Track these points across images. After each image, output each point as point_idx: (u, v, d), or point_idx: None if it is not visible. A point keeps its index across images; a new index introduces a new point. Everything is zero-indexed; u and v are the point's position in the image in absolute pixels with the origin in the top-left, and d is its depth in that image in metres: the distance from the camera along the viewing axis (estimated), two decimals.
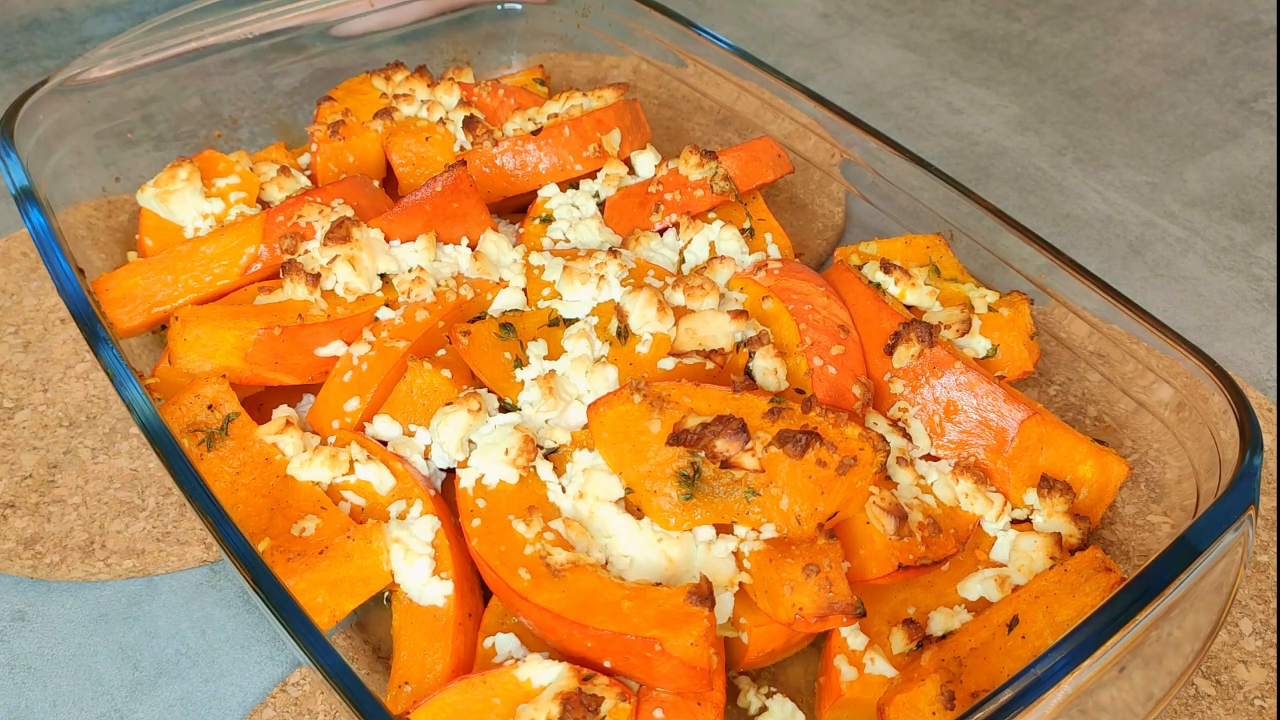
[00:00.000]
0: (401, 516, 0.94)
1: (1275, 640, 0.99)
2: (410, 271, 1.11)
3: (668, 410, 0.92)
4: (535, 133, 1.28)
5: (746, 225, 1.24)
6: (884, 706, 0.84)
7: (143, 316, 1.10)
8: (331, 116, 1.34)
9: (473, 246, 1.18)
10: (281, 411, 1.03)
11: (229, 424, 0.98)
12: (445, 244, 1.17)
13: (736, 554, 0.88)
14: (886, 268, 1.13)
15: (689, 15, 1.47)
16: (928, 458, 1.01)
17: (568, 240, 1.22)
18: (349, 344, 1.05)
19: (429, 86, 1.42)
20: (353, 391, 1.02)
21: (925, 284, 1.13)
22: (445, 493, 1.01)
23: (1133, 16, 2.06)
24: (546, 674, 0.81)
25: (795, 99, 1.33)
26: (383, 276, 1.11)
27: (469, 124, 1.32)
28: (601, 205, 1.28)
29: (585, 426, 0.97)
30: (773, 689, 0.92)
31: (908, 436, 1.01)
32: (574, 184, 1.31)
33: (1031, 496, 0.98)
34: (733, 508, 0.89)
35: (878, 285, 1.13)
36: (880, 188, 1.27)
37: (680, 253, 1.19)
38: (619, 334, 1.04)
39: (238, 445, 0.97)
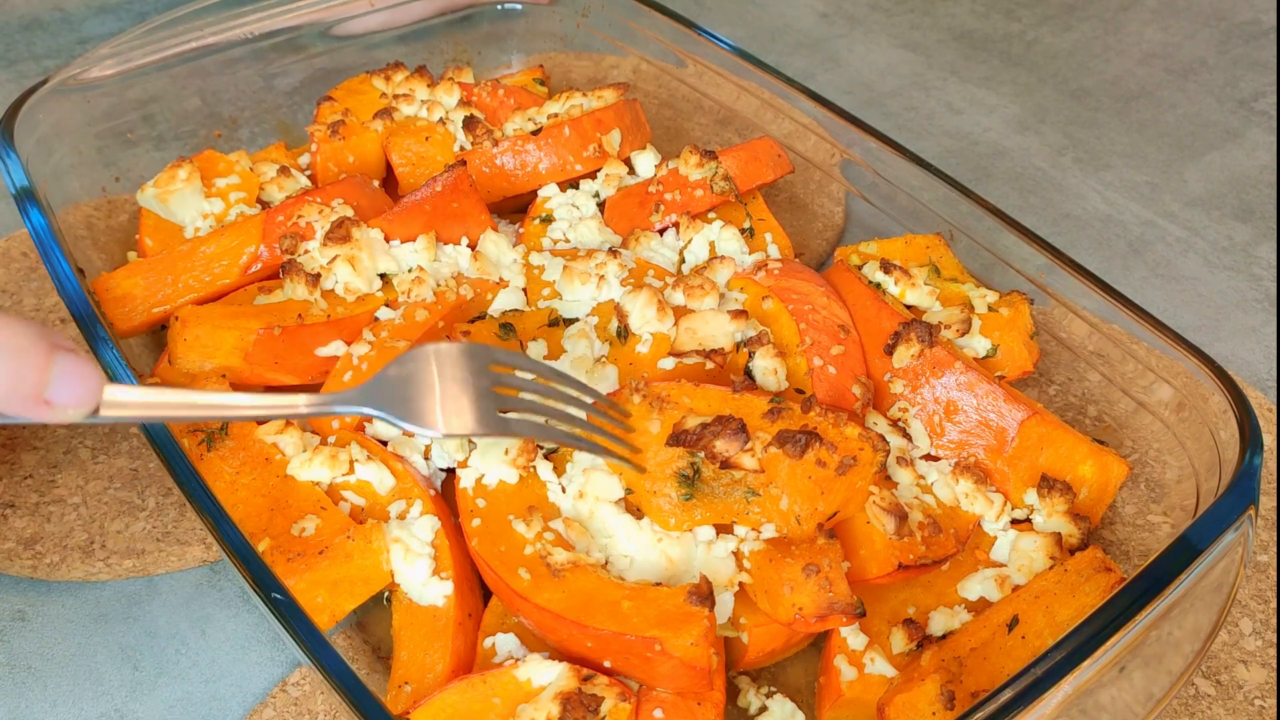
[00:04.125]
0: (401, 516, 0.94)
1: (1275, 640, 0.99)
2: (410, 271, 1.11)
3: (667, 410, 0.92)
4: (535, 133, 1.28)
5: (746, 225, 1.24)
6: (884, 706, 0.84)
7: (143, 316, 1.10)
8: (331, 116, 1.34)
9: (473, 246, 1.18)
10: None
11: (229, 424, 0.98)
12: (445, 244, 1.17)
13: (736, 554, 0.88)
14: (886, 268, 1.13)
15: (689, 15, 1.47)
16: (928, 458, 1.01)
17: (568, 240, 1.22)
18: (349, 344, 1.05)
19: (429, 86, 1.42)
20: None
21: (925, 284, 1.13)
22: (445, 493, 1.01)
23: (1133, 16, 2.06)
24: (546, 674, 0.81)
25: (795, 99, 1.33)
26: (383, 276, 1.11)
27: (469, 124, 1.32)
28: (601, 205, 1.28)
29: None
30: (773, 689, 0.92)
31: (908, 436, 1.01)
32: (574, 184, 1.31)
33: (1031, 496, 0.98)
34: (732, 508, 0.89)
35: (878, 285, 1.13)
36: (880, 188, 1.27)
37: (680, 253, 1.19)
38: (619, 334, 1.04)
39: (238, 445, 0.97)
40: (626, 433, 0.92)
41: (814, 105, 1.30)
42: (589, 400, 0.91)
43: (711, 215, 1.23)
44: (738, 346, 1.02)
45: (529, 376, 0.91)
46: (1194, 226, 1.54)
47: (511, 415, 0.87)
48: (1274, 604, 1.02)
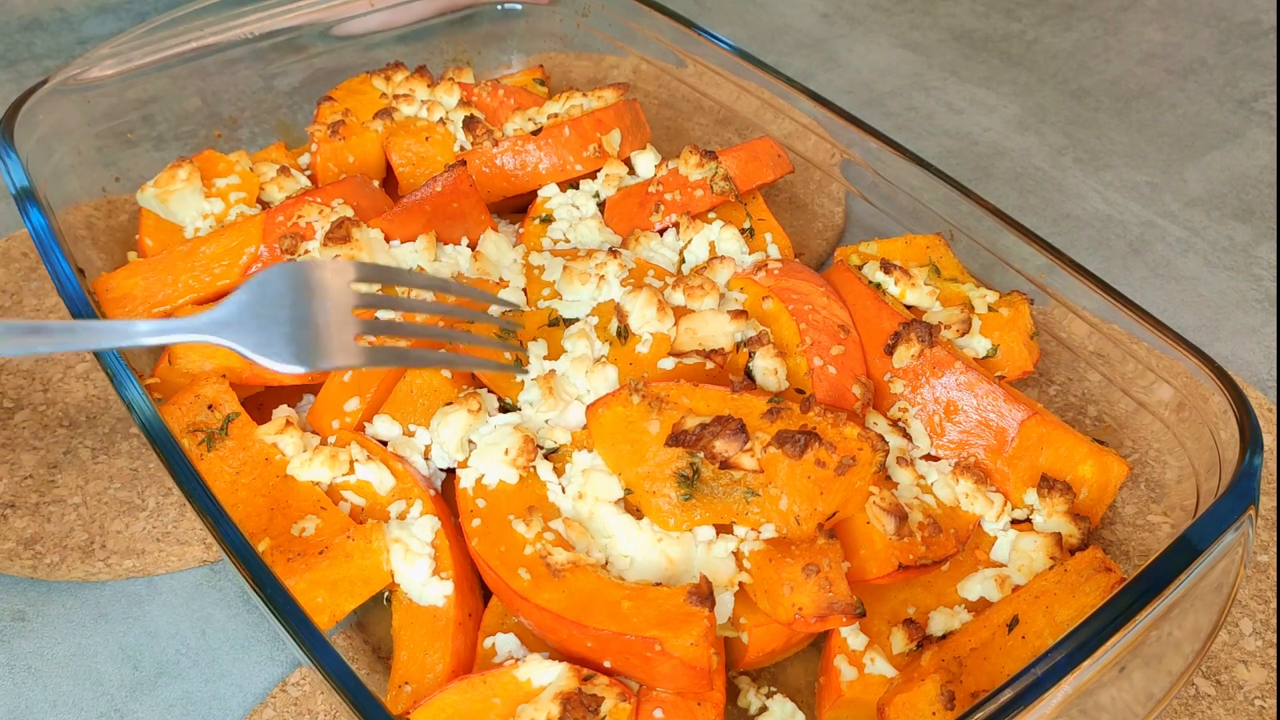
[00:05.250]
0: (401, 516, 0.94)
1: (1275, 640, 0.99)
2: (410, 272, 1.11)
3: (666, 411, 0.92)
4: (535, 133, 1.28)
5: (746, 225, 1.24)
6: (884, 706, 0.84)
7: (143, 317, 1.10)
8: (331, 116, 1.34)
9: (473, 246, 1.18)
10: (281, 411, 1.03)
11: (229, 424, 0.98)
12: (445, 244, 1.17)
13: (736, 554, 0.88)
14: (886, 268, 1.13)
15: (689, 15, 1.47)
16: (928, 458, 1.01)
17: (568, 240, 1.22)
18: None
19: (429, 86, 1.42)
20: (353, 391, 1.02)
21: (925, 284, 1.13)
22: (445, 493, 1.01)
23: (1133, 16, 2.06)
24: (546, 674, 0.81)
25: (795, 99, 1.33)
26: None
27: (469, 124, 1.32)
28: (601, 205, 1.28)
29: (585, 426, 0.97)
30: (773, 689, 0.92)
31: (908, 436, 1.01)
32: (574, 184, 1.31)
33: (1031, 496, 0.98)
34: (732, 508, 0.89)
35: (878, 285, 1.13)
36: (880, 188, 1.27)
37: (680, 253, 1.19)
38: (619, 334, 1.04)
39: (238, 445, 0.97)
40: (512, 334, 0.87)
41: (814, 105, 1.30)
42: (474, 305, 0.87)
43: (711, 215, 1.23)
44: (738, 346, 1.02)
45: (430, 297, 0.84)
46: (1194, 226, 1.54)
47: (379, 342, 0.80)
48: (1274, 604, 1.02)
